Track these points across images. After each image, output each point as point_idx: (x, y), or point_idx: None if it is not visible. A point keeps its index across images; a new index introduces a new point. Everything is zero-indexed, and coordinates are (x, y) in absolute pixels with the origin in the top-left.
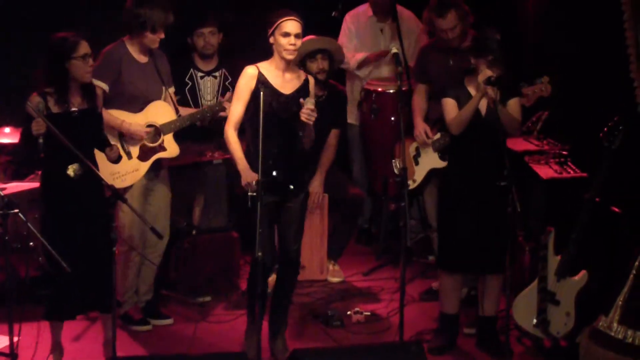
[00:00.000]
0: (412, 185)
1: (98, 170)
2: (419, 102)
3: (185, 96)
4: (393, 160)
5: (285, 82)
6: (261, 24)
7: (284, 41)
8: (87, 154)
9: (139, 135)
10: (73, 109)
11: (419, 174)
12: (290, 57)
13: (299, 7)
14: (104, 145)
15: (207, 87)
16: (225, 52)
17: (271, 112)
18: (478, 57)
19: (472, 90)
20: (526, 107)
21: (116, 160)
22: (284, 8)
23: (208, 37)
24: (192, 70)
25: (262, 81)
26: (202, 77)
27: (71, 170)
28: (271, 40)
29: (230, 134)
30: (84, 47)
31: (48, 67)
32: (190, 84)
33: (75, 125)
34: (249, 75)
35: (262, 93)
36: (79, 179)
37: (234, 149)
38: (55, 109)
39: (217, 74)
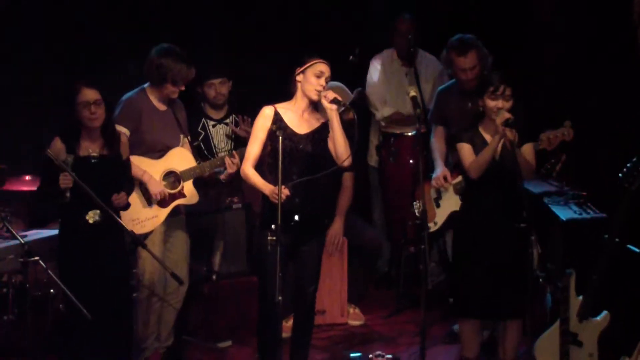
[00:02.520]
0: (433, 227)
1: (119, 217)
2: (439, 144)
3: (200, 146)
4: (414, 203)
5: (302, 122)
6: (273, 67)
7: (315, 81)
8: (106, 201)
9: (154, 193)
10: (93, 154)
11: (440, 216)
12: (316, 97)
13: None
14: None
15: (220, 134)
16: (234, 98)
17: (286, 152)
18: (484, 94)
19: (485, 134)
20: (546, 150)
21: (124, 207)
22: (311, 50)
23: (219, 87)
24: (203, 119)
25: (278, 122)
26: (213, 126)
27: (90, 217)
28: (299, 78)
29: (248, 169)
30: (84, 94)
31: (62, 113)
32: (203, 133)
33: (92, 171)
34: (265, 115)
35: (280, 136)
36: (98, 226)
37: (254, 180)
38: (72, 155)
39: (228, 120)
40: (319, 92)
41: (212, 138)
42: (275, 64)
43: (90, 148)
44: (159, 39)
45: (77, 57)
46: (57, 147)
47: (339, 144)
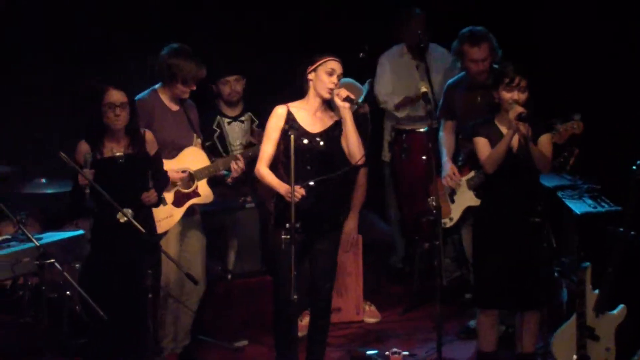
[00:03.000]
0: (448, 223)
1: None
2: (447, 139)
3: (215, 144)
4: (428, 199)
5: (315, 121)
6: (285, 65)
7: (327, 79)
8: (135, 200)
9: (173, 179)
10: (118, 154)
11: (455, 212)
12: (328, 95)
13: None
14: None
15: (235, 132)
16: (249, 94)
17: (300, 151)
18: (498, 86)
19: (501, 127)
20: (558, 144)
21: (156, 204)
22: (322, 48)
23: (234, 85)
24: (218, 117)
25: (291, 121)
26: (229, 123)
27: (121, 216)
28: (310, 76)
29: (262, 169)
30: (111, 96)
31: (86, 114)
32: (218, 131)
33: (118, 171)
34: (278, 115)
35: (292, 137)
36: (127, 227)
37: (269, 179)
38: (98, 156)
39: (243, 118)
40: (332, 90)
41: (228, 135)
42: (289, 62)
43: (115, 148)
44: (170, 38)
45: (82, 58)
46: (83, 149)
47: (352, 143)
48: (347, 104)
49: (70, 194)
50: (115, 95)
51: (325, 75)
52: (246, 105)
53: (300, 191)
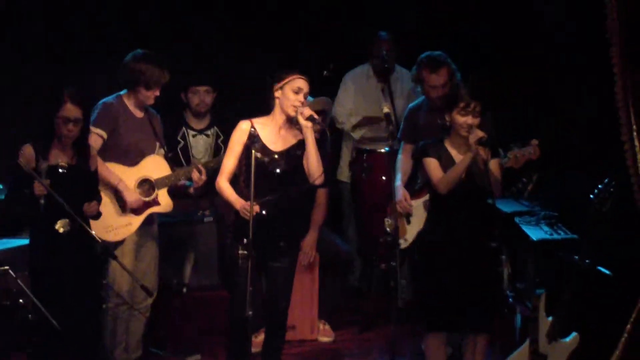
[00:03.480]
0: (403, 244)
1: (90, 227)
2: (405, 162)
3: (178, 155)
4: (385, 219)
5: (279, 139)
6: (255, 81)
7: (293, 97)
8: (76, 210)
9: (130, 202)
10: (61, 163)
11: (410, 233)
12: (294, 113)
13: (291, 65)
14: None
15: (200, 145)
16: (217, 109)
17: (260, 168)
18: (451, 110)
19: (451, 150)
20: (516, 169)
21: (95, 217)
22: (289, 65)
23: (203, 96)
24: (184, 128)
25: (253, 137)
26: (194, 136)
27: (60, 226)
28: (277, 94)
29: (222, 182)
30: (67, 110)
31: (38, 119)
32: (182, 142)
33: (61, 180)
34: (242, 130)
35: (253, 152)
36: (68, 235)
37: (227, 193)
38: (42, 163)
39: (209, 132)
40: (297, 108)
41: (192, 148)
42: (260, 78)
43: (60, 157)
44: (147, 43)
45: (61, 59)
46: (28, 153)
47: (311, 162)
48: (309, 123)
49: (14, 201)
50: (71, 111)
51: (291, 93)
52: (213, 119)
53: (254, 208)
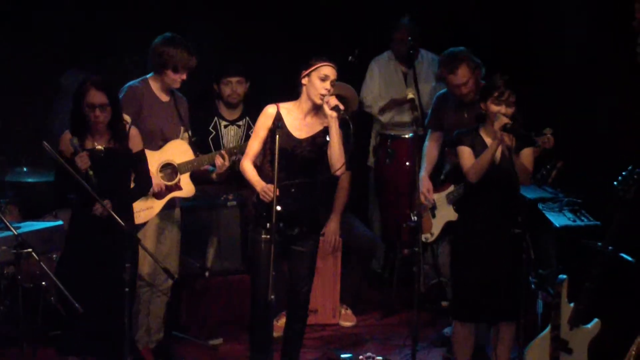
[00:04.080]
0: (430, 238)
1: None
2: (431, 150)
3: (209, 145)
4: (411, 213)
5: (303, 126)
6: (288, 72)
7: (320, 85)
8: (113, 193)
9: (153, 185)
10: (98, 147)
11: (436, 227)
12: (320, 101)
13: (318, 52)
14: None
15: (231, 136)
16: (250, 100)
17: (283, 154)
18: (486, 99)
19: (486, 138)
20: (541, 155)
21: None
22: (321, 54)
23: (235, 86)
24: (216, 118)
25: (278, 121)
26: (225, 127)
27: (98, 209)
28: (304, 81)
29: (246, 164)
30: (91, 96)
31: (72, 107)
32: (214, 132)
33: (98, 164)
34: (267, 115)
35: (277, 137)
36: (104, 220)
37: (250, 175)
38: (79, 147)
39: (240, 123)
40: (323, 96)
41: (222, 138)
42: (292, 68)
43: (97, 142)
44: (179, 33)
45: (77, 51)
46: (67, 139)
47: (334, 152)
48: (334, 113)
49: (55, 184)
50: (95, 97)
51: (318, 81)
52: (245, 110)
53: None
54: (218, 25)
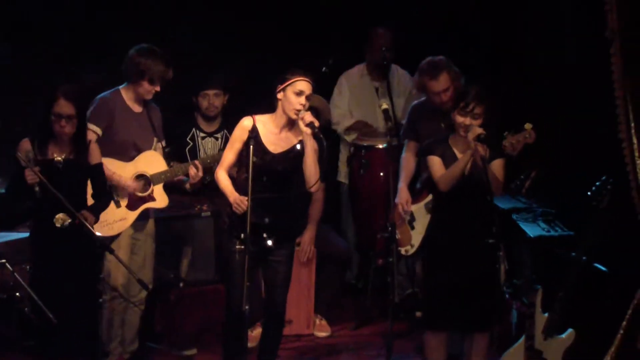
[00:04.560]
0: (410, 250)
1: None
2: (409, 161)
3: (185, 156)
4: (387, 223)
5: (278, 140)
6: (267, 86)
7: (295, 99)
8: (75, 204)
9: (128, 189)
10: (57, 158)
11: (415, 238)
12: (295, 116)
13: (292, 62)
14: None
15: (208, 147)
16: (228, 113)
17: (258, 167)
18: (456, 108)
19: (454, 148)
20: (514, 165)
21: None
22: (296, 68)
23: (212, 99)
24: (194, 130)
25: (254, 133)
26: (203, 138)
27: (58, 221)
28: (279, 95)
29: (221, 174)
30: (60, 106)
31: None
32: (191, 144)
33: (57, 175)
34: (243, 127)
35: (251, 147)
36: (67, 229)
37: (224, 185)
38: (39, 156)
39: (218, 135)
40: (298, 111)
41: (200, 149)
42: (271, 82)
43: (56, 152)
44: (156, 45)
45: (61, 57)
46: (25, 148)
47: (308, 168)
48: (309, 130)
49: (7, 193)
50: (64, 107)
51: (293, 96)
52: (223, 123)
53: (246, 203)
54: (196, 37)
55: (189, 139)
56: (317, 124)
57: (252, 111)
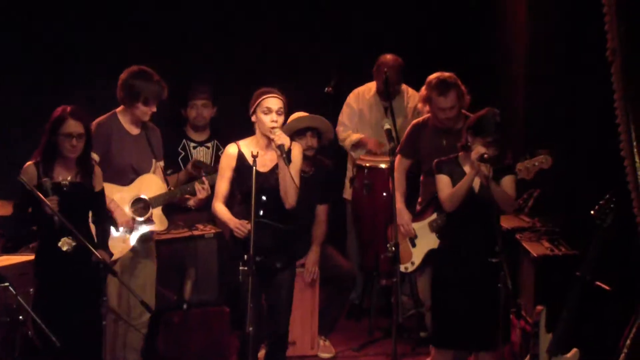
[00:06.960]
0: (410, 268)
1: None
2: (400, 181)
3: (179, 166)
4: (388, 245)
5: (265, 160)
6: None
7: (265, 118)
8: (79, 227)
9: (120, 222)
10: (63, 181)
11: (416, 256)
12: (271, 135)
13: (292, 82)
14: (101, 222)
15: (200, 157)
16: (218, 123)
17: (249, 190)
18: (476, 136)
19: (465, 167)
20: (520, 184)
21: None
22: (264, 87)
23: (200, 109)
24: (184, 140)
25: (241, 160)
26: (194, 147)
27: (63, 244)
28: (253, 119)
29: (218, 206)
30: (69, 126)
31: (42, 138)
32: (183, 153)
33: (64, 197)
34: (229, 155)
35: (254, 169)
36: (72, 252)
37: (223, 215)
38: (45, 181)
39: (209, 144)
40: (272, 129)
41: (192, 158)
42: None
43: (62, 175)
44: (146, 57)
45: (61, 79)
46: (30, 172)
47: (283, 188)
48: (278, 152)
49: (20, 219)
50: (74, 127)
51: (262, 115)
52: (213, 133)
53: (247, 226)
54: (184, 47)
55: (181, 149)
56: (287, 146)
57: (239, 120)
